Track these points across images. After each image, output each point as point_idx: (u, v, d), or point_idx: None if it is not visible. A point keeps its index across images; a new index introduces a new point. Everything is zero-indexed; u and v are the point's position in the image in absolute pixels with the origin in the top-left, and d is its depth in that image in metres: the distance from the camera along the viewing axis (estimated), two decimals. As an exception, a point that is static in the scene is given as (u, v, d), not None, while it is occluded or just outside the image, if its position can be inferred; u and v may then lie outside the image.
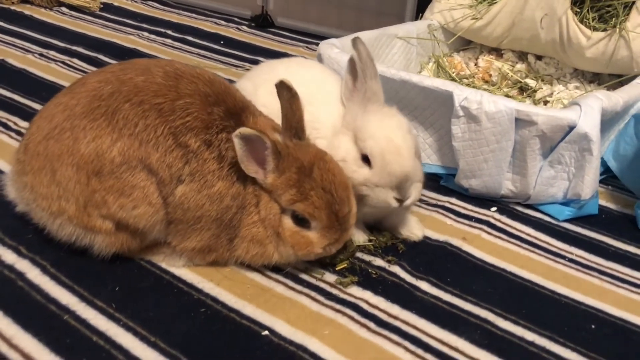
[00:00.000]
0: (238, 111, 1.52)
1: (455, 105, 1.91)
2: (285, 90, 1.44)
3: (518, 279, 1.64)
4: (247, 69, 3.06)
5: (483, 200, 2.00)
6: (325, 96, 1.80)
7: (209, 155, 1.45)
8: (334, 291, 1.54)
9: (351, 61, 1.70)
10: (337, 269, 1.62)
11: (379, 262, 1.66)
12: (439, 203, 1.98)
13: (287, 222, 1.48)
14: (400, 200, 1.60)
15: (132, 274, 1.54)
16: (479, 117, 1.88)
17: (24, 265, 1.54)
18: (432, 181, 2.07)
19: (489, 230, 1.85)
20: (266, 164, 1.45)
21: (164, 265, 1.58)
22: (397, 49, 2.69)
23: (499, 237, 1.82)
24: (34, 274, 1.51)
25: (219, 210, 1.47)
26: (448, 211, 1.94)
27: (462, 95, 1.90)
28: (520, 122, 1.85)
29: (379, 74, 2.02)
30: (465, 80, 2.78)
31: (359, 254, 1.68)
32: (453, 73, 2.81)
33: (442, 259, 1.70)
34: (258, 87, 1.86)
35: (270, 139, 1.42)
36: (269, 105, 1.76)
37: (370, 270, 1.62)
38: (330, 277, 1.58)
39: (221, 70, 3.00)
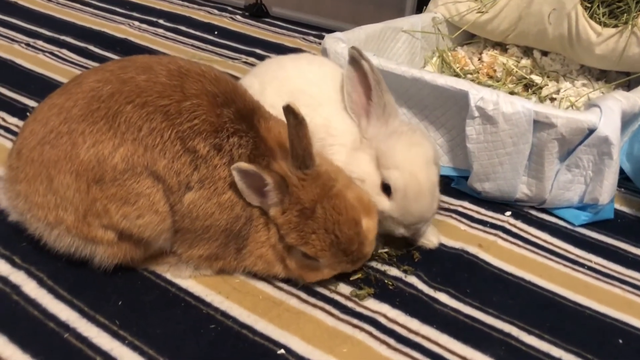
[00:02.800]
0: (249, 113, 1.43)
1: (471, 105, 1.83)
2: (291, 116, 1.33)
3: (538, 289, 1.58)
4: (245, 62, 2.95)
5: (496, 204, 1.93)
6: (340, 97, 1.70)
7: (219, 161, 1.36)
8: (350, 304, 1.46)
9: (359, 71, 1.60)
10: (351, 279, 1.54)
11: (394, 272, 1.58)
12: (451, 207, 1.91)
13: (296, 254, 1.41)
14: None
15: (136, 286, 1.45)
16: (496, 118, 1.80)
17: (19, 278, 1.44)
18: (443, 184, 1.99)
19: (505, 236, 1.78)
20: (268, 198, 1.37)
21: (169, 276, 1.49)
22: (401, 43, 2.60)
23: (515, 244, 1.76)
24: (30, 287, 1.42)
25: (228, 219, 1.38)
26: (462, 216, 1.86)
27: (478, 95, 1.82)
28: (539, 124, 1.77)
29: (388, 71, 1.97)
30: (469, 76, 2.70)
31: (373, 263, 1.60)
32: (457, 68, 2.73)
33: (459, 267, 1.63)
34: (265, 85, 1.77)
35: (272, 176, 1.34)
36: (277, 106, 1.66)
37: (386, 281, 1.54)
38: (345, 289, 1.51)
39: (217, 63, 2.88)
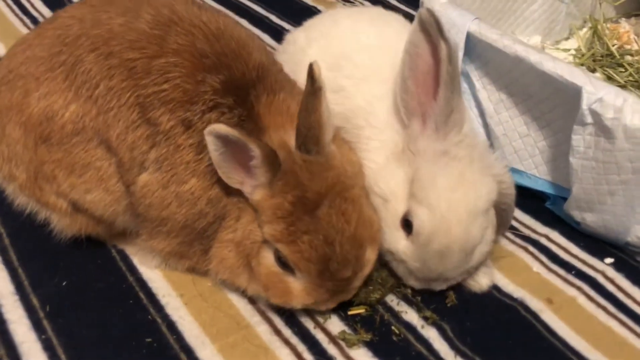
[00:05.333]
0: (247, 84, 1.09)
1: (583, 107, 1.32)
2: (309, 80, 1.00)
3: (612, 390, 1.11)
4: (360, 3, 2.55)
5: (597, 242, 1.42)
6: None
7: (184, 140, 1.06)
8: (332, 351, 1.12)
9: (431, 49, 1.12)
10: (349, 313, 1.19)
11: (411, 315, 1.20)
12: (532, 236, 1.43)
13: (268, 257, 1.07)
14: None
15: (93, 265, 1.24)
16: (614, 131, 1.28)
17: (-22, 228, 1.29)
18: (534, 200, 1.52)
19: (592, 293, 1.29)
20: (254, 176, 1.03)
21: (135, 260, 1.25)
22: (538, 5, 2.04)
23: (604, 308, 1.26)
24: (-17, 243, 1.26)
25: (188, 215, 1.09)
26: (541, 251, 1.39)
27: (595, 94, 1.30)
28: (677, 150, 1.23)
29: (489, 43, 1.49)
30: (628, 57, 2.07)
31: (389, 298, 1.23)
32: (613, 46, 2.10)
33: (505, 328, 1.19)
34: (311, 42, 1.41)
35: (260, 146, 0.99)
36: None
37: (393, 327, 1.17)
38: (336, 326, 1.16)
39: (324, 4, 2.52)
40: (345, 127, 1.28)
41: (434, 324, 1.18)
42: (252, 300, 1.19)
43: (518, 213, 1.49)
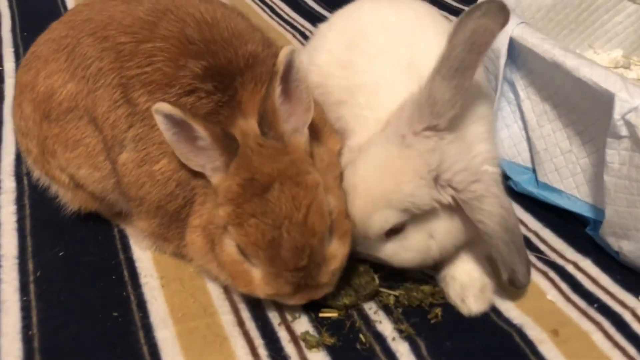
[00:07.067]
0: (232, 71, 1.09)
1: (614, 117, 1.16)
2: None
3: None
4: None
5: (637, 276, 1.24)
6: (408, 67, 1.22)
7: None
8: (289, 350, 1.07)
9: None
10: (320, 315, 1.13)
11: (385, 326, 1.11)
12: (558, 261, 1.28)
13: (229, 243, 1.04)
14: None
15: (93, 240, 1.29)
16: (649, 145, 1.11)
17: (8, 199, 1.40)
18: (573, 223, 1.36)
19: (612, 330, 1.12)
20: (209, 159, 1.02)
21: (132, 241, 1.30)
22: (624, 17, 1.84)
23: (622, 349, 1.09)
24: (8, 211, 1.37)
25: (161, 196, 1.10)
26: (563, 278, 1.24)
27: (629, 102, 1.14)
28: None
29: (529, 48, 1.36)
30: None
31: (367, 305, 1.15)
32: None
33: (490, 354, 1.07)
34: (332, 25, 1.42)
35: (208, 128, 0.98)
36: (335, 52, 1.32)
37: (362, 335, 1.09)
38: (301, 325, 1.11)
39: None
40: (348, 101, 1.23)
41: (408, 338, 1.09)
42: (228, 290, 1.18)
43: (550, 236, 1.35)
